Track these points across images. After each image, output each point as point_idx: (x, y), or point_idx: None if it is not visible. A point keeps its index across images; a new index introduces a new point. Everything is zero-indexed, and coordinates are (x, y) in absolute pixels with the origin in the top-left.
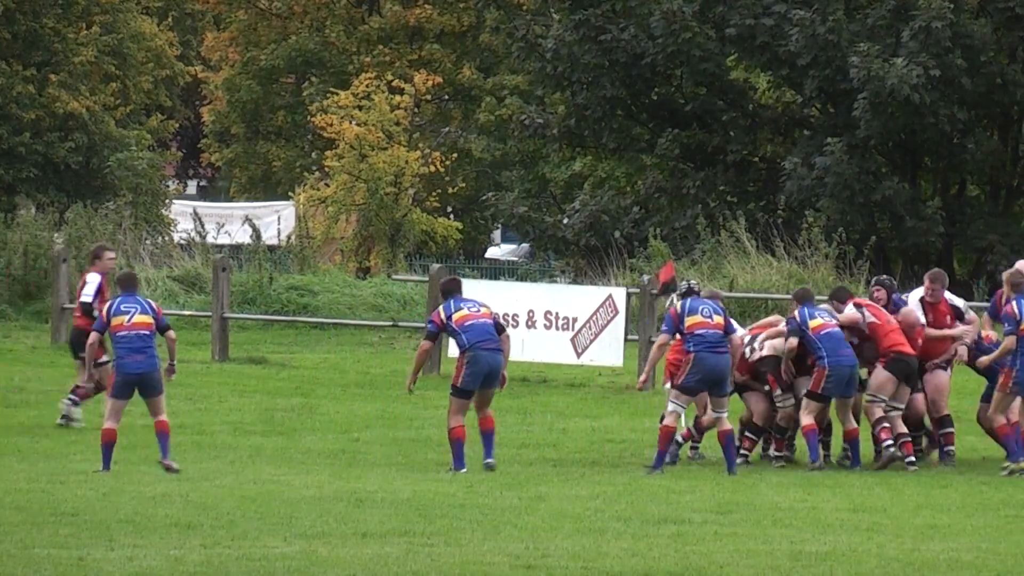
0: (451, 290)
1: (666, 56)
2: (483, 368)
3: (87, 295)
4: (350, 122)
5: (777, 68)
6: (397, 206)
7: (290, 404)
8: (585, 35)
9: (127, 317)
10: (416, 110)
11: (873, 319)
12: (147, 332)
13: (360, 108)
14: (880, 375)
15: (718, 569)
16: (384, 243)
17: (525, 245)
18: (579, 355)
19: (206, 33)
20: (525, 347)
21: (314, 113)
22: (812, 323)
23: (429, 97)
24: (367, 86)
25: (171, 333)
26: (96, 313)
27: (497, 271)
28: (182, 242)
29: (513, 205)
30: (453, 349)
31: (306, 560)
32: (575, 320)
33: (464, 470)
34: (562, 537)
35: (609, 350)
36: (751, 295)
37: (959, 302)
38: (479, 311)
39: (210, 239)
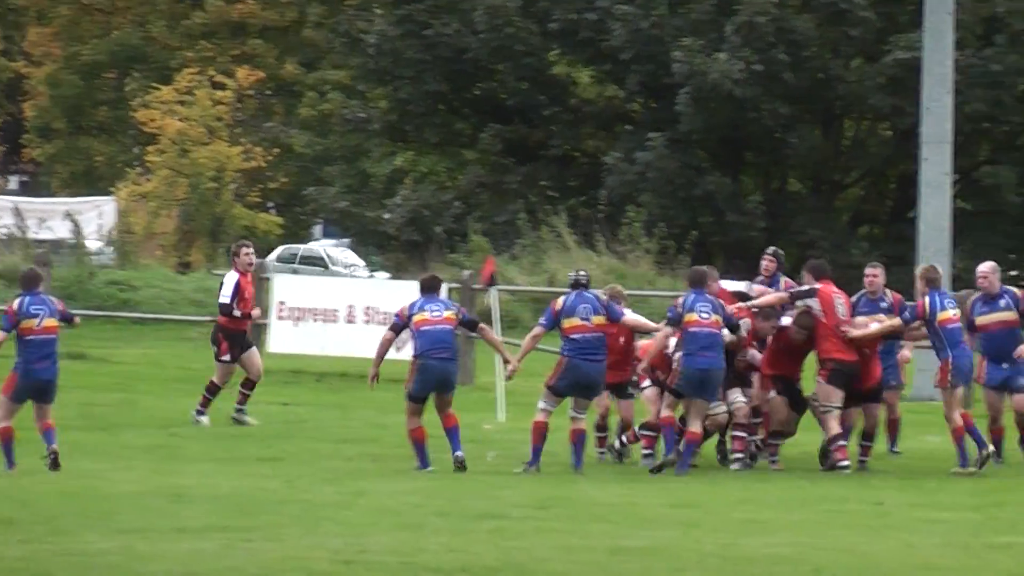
0: (426, 288)
1: (489, 51)
2: (432, 377)
3: (225, 296)
4: (172, 117)
5: (600, 63)
6: (218, 201)
7: (110, 399)
8: (408, 30)
9: (37, 320)
10: (238, 105)
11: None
12: (55, 337)
13: (182, 103)
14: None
15: (537, 564)
16: (205, 238)
17: (346, 240)
18: (399, 350)
19: (29, 28)
20: (344, 342)
21: (136, 108)
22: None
23: (251, 92)
24: (189, 81)
25: (76, 319)
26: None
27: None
28: (3, 237)
29: (334, 200)
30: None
31: (125, 556)
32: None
33: (429, 469)
34: (381, 532)
35: None
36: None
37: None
38: (441, 315)
39: (31, 234)
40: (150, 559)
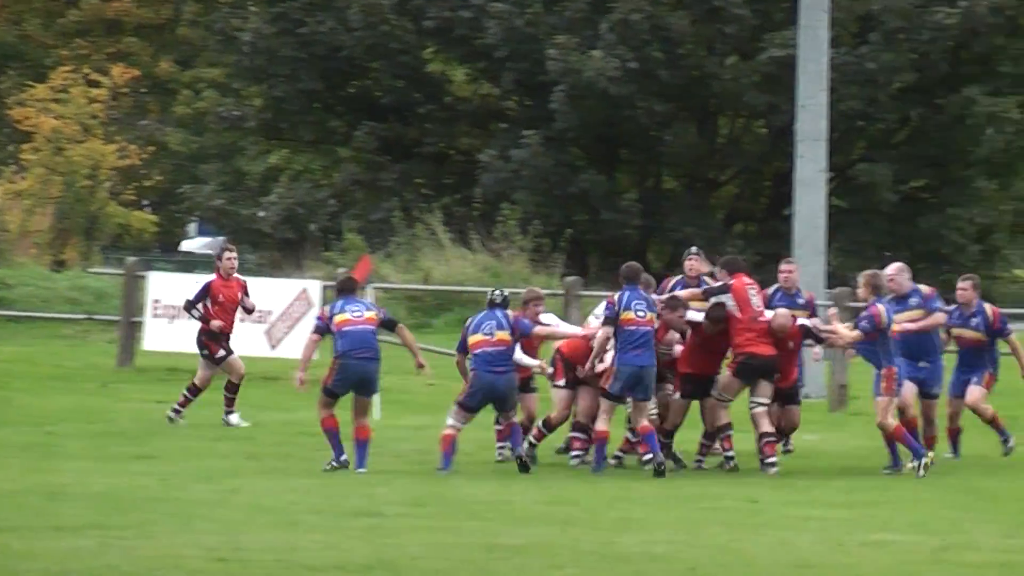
0: (343, 289)
1: (364, 49)
2: (352, 376)
3: (189, 296)
4: (47, 115)
5: (475, 61)
6: (93, 199)
7: None
8: (283, 28)
9: None
10: (113, 103)
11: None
12: None
13: (57, 101)
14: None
15: (411, 561)
16: (80, 236)
17: (221, 238)
18: (273, 348)
19: None
20: None
21: (11, 106)
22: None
23: (126, 90)
24: (64, 79)
25: None
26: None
27: (193, 264)
28: None
29: (209, 198)
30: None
31: (1, 554)
32: (269, 313)
33: (344, 459)
34: (256, 530)
35: (304, 343)
36: (446, 288)
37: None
38: (362, 316)
39: None
40: (26, 557)
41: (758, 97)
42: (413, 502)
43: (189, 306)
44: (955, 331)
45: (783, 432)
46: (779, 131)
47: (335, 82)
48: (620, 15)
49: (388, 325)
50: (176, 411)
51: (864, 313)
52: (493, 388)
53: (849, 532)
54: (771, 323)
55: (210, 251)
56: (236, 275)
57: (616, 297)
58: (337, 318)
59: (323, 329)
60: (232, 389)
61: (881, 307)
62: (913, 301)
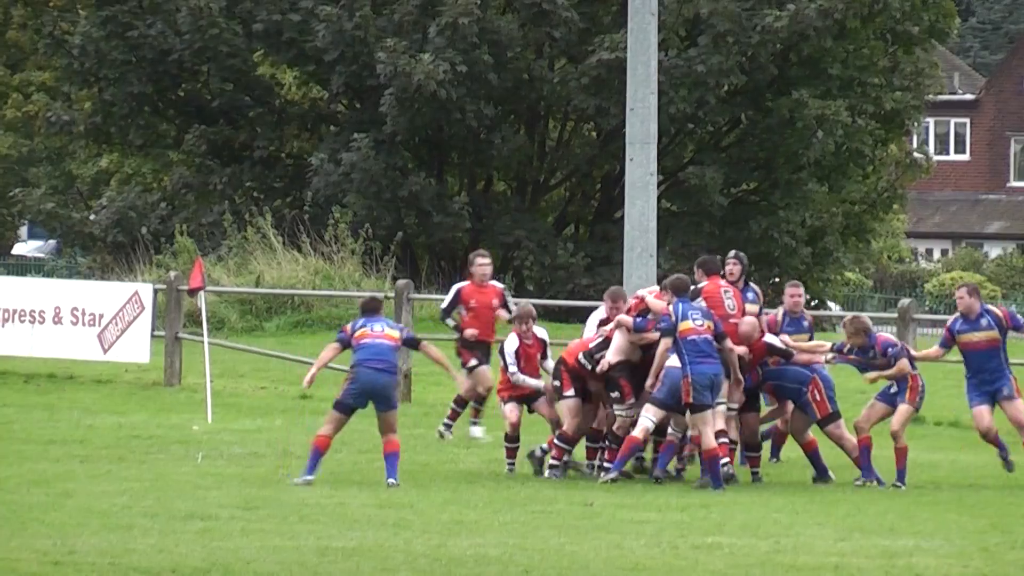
0: (367, 309)
1: (193, 52)
2: (364, 385)
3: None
4: None
5: (304, 64)
6: None
7: None
8: (112, 31)
9: None
10: None
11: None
12: None
13: None
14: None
15: (244, 565)
16: None
17: (52, 241)
18: (106, 351)
19: None
20: (51, 343)
21: None
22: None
23: None
24: None
25: None
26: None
27: (24, 268)
28: None
29: (40, 202)
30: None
31: None
32: (101, 316)
33: (308, 478)
34: (89, 533)
35: (136, 346)
36: (278, 291)
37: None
38: (383, 332)
39: None
40: None
41: (587, 100)
42: (245, 505)
43: (444, 315)
44: (963, 338)
45: (747, 444)
46: (609, 134)
47: (165, 86)
48: (449, 19)
49: (411, 344)
50: (447, 425)
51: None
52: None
53: (682, 535)
54: (738, 328)
55: (42, 255)
56: (492, 281)
57: (671, 308)
58: (357, 333)
59: (345, 341)
60: (479, 400)
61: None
62: (805, 323)
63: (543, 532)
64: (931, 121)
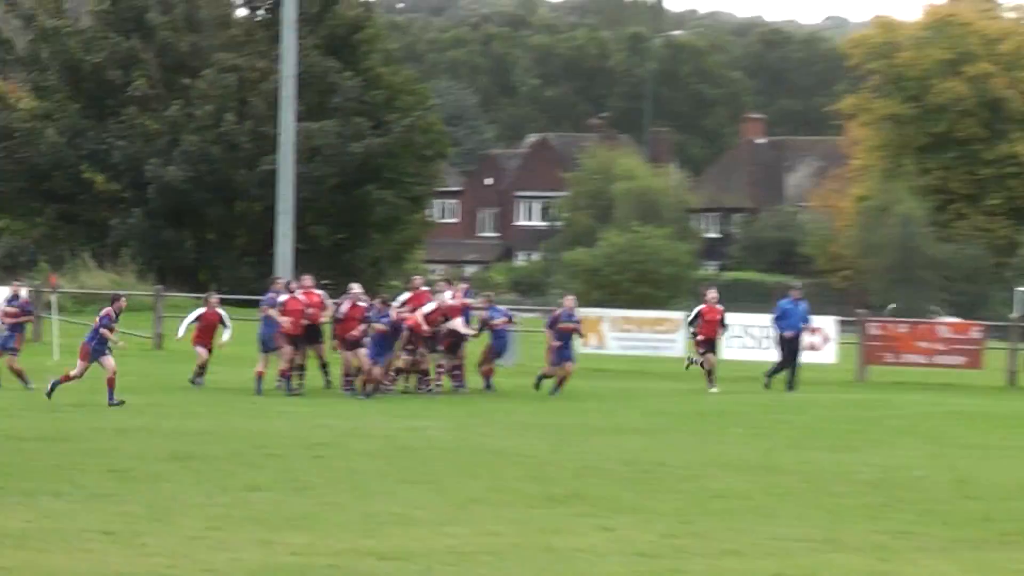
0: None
1: (50, 166)
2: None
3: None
4: None
5: (107, 171)
6: None
7: None
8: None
9: None
10: None
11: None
12: None
13: None
14: None
15: None
16: None
17: None
18: None
19: None
20: None
21: None
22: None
23: None
24: None
25: None
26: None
27: None
28: None
29: None
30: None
31: None
32: None
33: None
34: None
35: None
36: (93, 291)
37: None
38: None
39: None
40: None
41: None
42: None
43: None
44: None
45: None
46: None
47: (35, 182)
48: (189, 146)
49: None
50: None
51: None
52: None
53: None
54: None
55: None
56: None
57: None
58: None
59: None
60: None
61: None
62: None
63: None
64: (435, 201)
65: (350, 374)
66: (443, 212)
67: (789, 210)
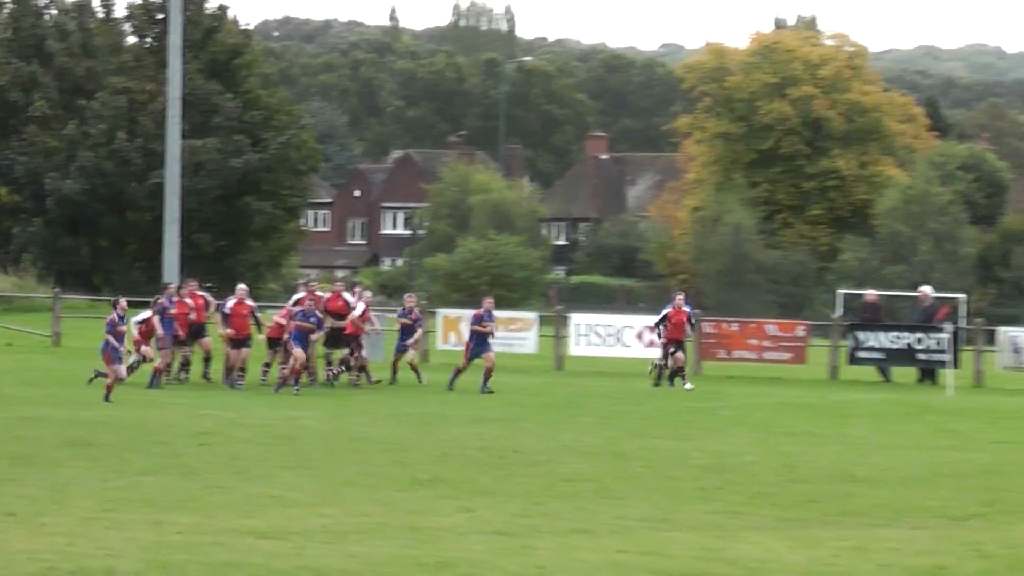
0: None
1: None
2: None
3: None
4: None
5: (11, 184)
6: None
7: None
8: None
9: None
10: None
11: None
12: None
13: None
14: None
15: None
16: None
17: None
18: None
19: None
20: None
21: None
22: None
23: None
24: None
25: None
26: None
27: None
28: None
29: None
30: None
31: None
32: None
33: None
34: None
35: None
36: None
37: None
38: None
39: None
40: None
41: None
42: None
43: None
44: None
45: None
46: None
47: None
48: (84, 161)
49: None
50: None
51: None
52: None
53: None
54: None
55: None
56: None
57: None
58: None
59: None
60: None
61: None
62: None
63: None
64: (309, 212)
65: (231, 369)
66: (316, 221)
67: (630, 220)
